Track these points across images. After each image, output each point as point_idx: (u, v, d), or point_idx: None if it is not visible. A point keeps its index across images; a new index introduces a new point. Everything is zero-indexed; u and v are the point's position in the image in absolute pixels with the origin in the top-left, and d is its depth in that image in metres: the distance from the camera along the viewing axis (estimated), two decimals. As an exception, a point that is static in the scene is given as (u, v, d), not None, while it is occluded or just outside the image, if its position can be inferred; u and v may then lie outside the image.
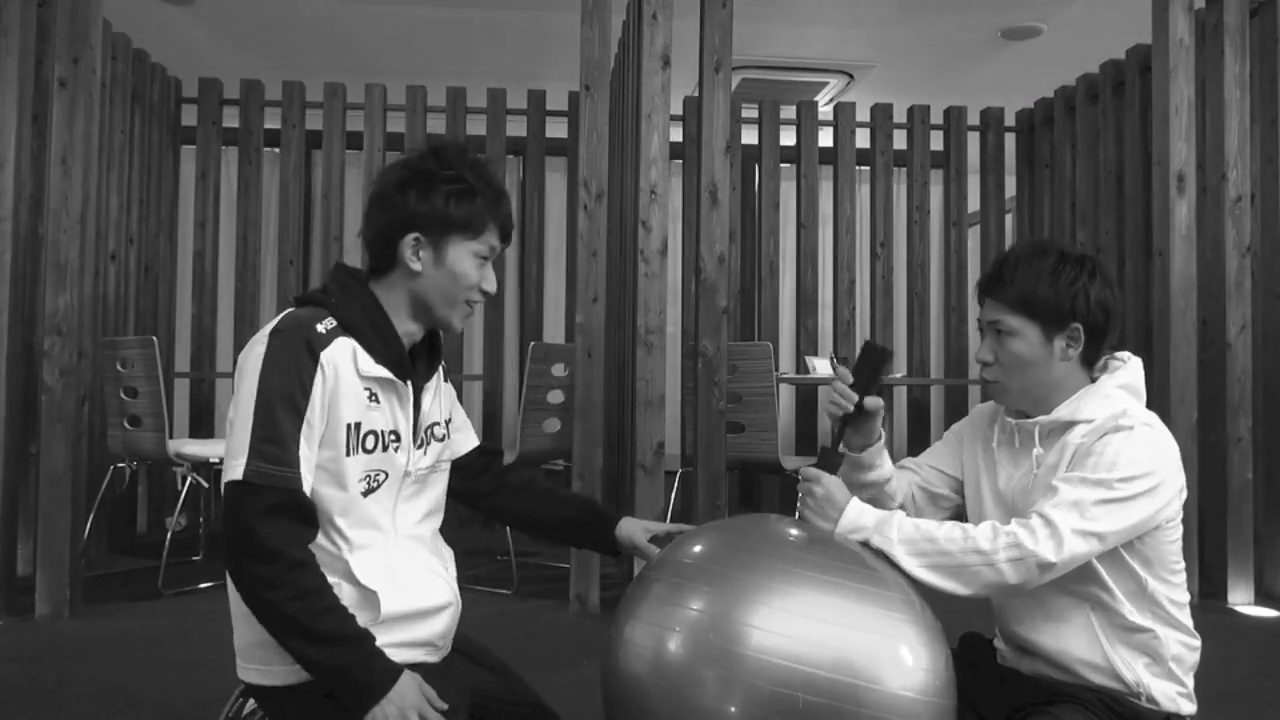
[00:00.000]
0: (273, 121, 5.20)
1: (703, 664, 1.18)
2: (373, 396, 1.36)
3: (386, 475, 1.39)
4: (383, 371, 1.36)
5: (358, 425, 1.34)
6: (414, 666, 1.32)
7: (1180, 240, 3.59)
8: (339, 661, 1.24)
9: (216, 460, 3.67)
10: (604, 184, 3.36)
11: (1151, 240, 3.77)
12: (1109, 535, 1.35)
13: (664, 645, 1.21)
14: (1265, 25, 3.65)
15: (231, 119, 5.13)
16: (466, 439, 1.61)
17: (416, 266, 1.38)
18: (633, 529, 1.57)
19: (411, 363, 1.43)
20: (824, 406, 1.55)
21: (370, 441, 1.36)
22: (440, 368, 1.53)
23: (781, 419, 4.19)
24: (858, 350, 1.57)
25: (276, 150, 5.24)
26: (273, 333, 1.32)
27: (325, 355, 1.31)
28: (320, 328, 1.33)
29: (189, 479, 3.74)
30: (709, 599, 1.22)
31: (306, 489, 1.28)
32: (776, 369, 3.93)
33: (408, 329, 1.42)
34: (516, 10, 4.86)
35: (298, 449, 1.27)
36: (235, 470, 1.25)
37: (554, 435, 3.74)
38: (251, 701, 1.41)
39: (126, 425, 3.60)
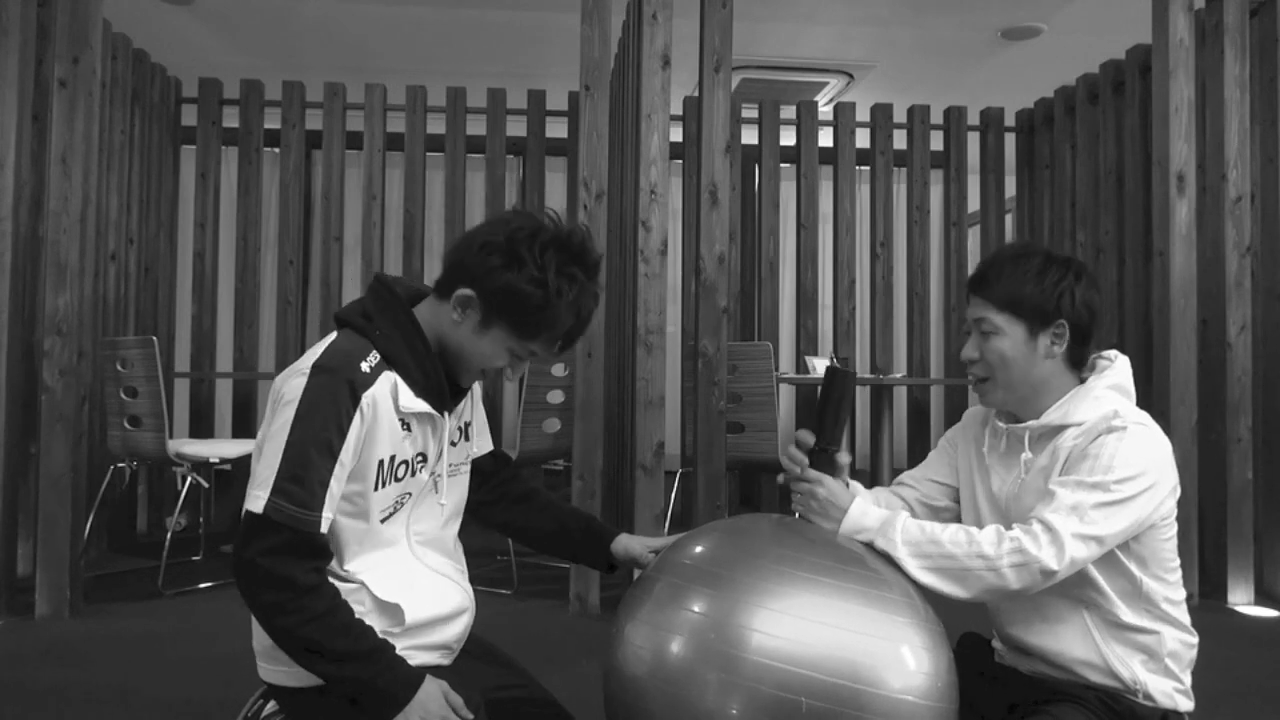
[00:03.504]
0: (273, 121, 5.20)
1: (704, 666, 1.17)
2: (406, 426, 1.34)
3: (410, 495, 1.39)
4: (422, 406, 1.35)
5: (391, 459, 1.33)
6: (427, 669, 1.32)
7: (1180, 240, 3.59)
8: (360, 675, 1.25)
9: (216, 460, 3.68)
10: (604, 184, 3.36)
11: (1151, 240, 3.77)
12: (1108, 538, 1.35)
13: (665, 647, 1.21)
14: (1265, 25, 3.65)
15: (231, 119, 5.13)
16: (484, 442, 1.60)
17: (456, 318, 1.35)
18: (630, 544, 1.55)
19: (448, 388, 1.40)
20: (785, 468, 1.50)
21: (401, 470, 1.35)
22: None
23: (781, 419, 4.20)
24: (827, 367, 1.52)
25: (276, 150, 5.24)
26: (316, 367, 1.28)
27: (367, 397, 1.28)
28: (365, 366, 1.30)
29: (189, 479, 3.74)
30: (710, 601, 1.21)
31: (325, 528, 1.27)
32: (776, 369, 3.93)
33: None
34: (516, 10, 4.86)
35: (324, 491, 1.25)
36: (256, 502, 1.23)
37: (554, 435, 3.74)
38: (272, 703, 1.41)
39: (126, 425, 3.60)
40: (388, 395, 1.31)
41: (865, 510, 1.39)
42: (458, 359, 1.38)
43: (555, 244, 1.32)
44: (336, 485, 1.27)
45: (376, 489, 1.32)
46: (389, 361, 1.33)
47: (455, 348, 1.37)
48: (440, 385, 1.37)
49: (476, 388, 1.56)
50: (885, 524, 1.37)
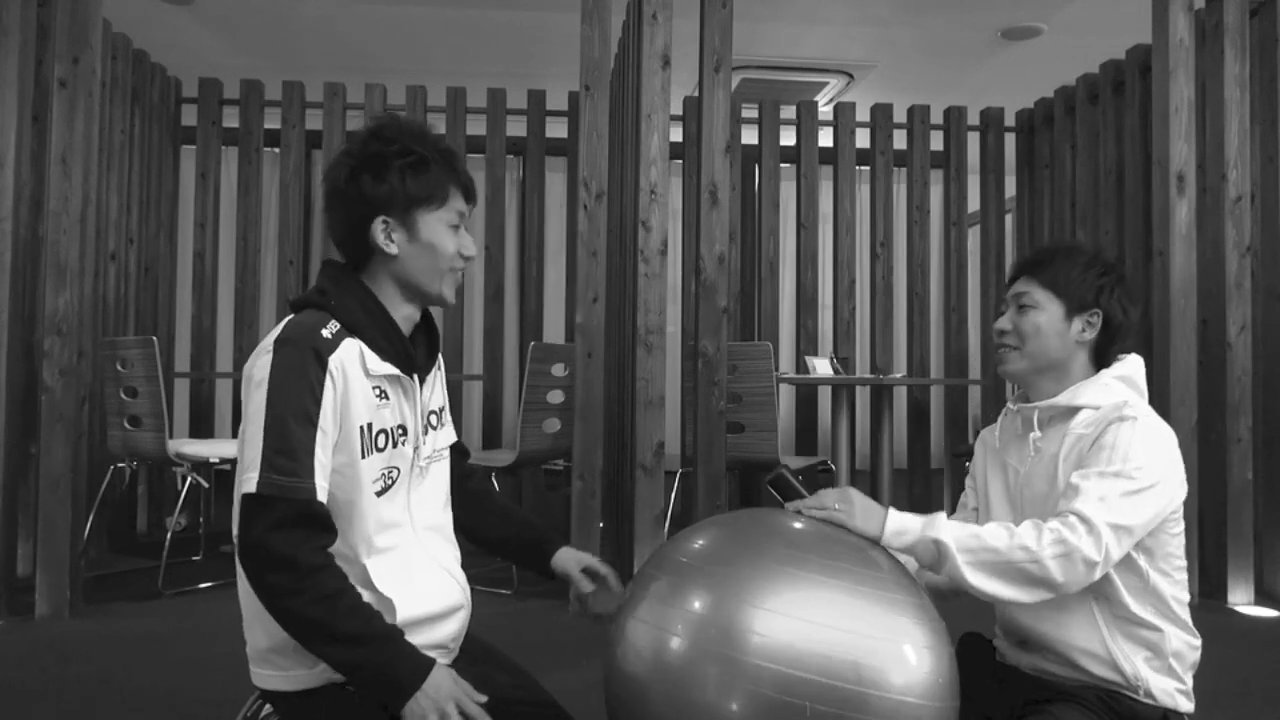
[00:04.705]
0: (273, 121, 5.20)
1: (704, 666, 1.17)
2: (381, 394, 1.36)
3: (399, 470, 1.39)
4: (390, 369, 1.36)
5: (369, 426, 1.34)
6: None
7: (1180, 240, 3.59)
8: (369, 660, 1.23)
9: (216, 460, 3.68)
10: (604, 184, 3.36)
11: (1151, 240, 3.77)
12: (1136, 529, 1.36)
13: (665, 646, 1.21)
14: (1265, 25, 3.65)
15: (231, 119, 5.13)
16: (449, 431, 1.60)
17: (392, 250, 1.37)
18: (567, 559, 1.58)
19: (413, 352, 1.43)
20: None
21: (382, 440, 1.36)
22: (438, 355, 1.53)
23: (781, 419, 4.19)
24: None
25: (276, 150, 5.24)
26: (278, 342, 1.30)
27: (333, 361, 1.30)
28: (325, 332, 1.32)
29: (189, 479, 3.74)
30: (711, 600, 1.21)
31: (322, 496, 1.27)
32: (776, 369, 3.94)
33: (404, 313, 1.41)
34: (516, 10, 4.87)
35: (312, 459, 1.26)
36: (249, 483, 1.24)
37: (554, 435, 3.74)
38: (270, 705, 1.40)
39: (126, 425, 3.60)
40: (355, 361, 1.33)
41: (905, 514, 1.37)
42: (425, 275, 1.40)
43: (382, 132, 1.39)
44: (323, 454, 1.28)
45: (363, 457, 1.33)
46: (349, 329, 1.35)
47: (418, 270, 1.39)
48: (403, 347, 1.39)
49: (441, 376, 1.56)
50: (928, 522, 1.36)
